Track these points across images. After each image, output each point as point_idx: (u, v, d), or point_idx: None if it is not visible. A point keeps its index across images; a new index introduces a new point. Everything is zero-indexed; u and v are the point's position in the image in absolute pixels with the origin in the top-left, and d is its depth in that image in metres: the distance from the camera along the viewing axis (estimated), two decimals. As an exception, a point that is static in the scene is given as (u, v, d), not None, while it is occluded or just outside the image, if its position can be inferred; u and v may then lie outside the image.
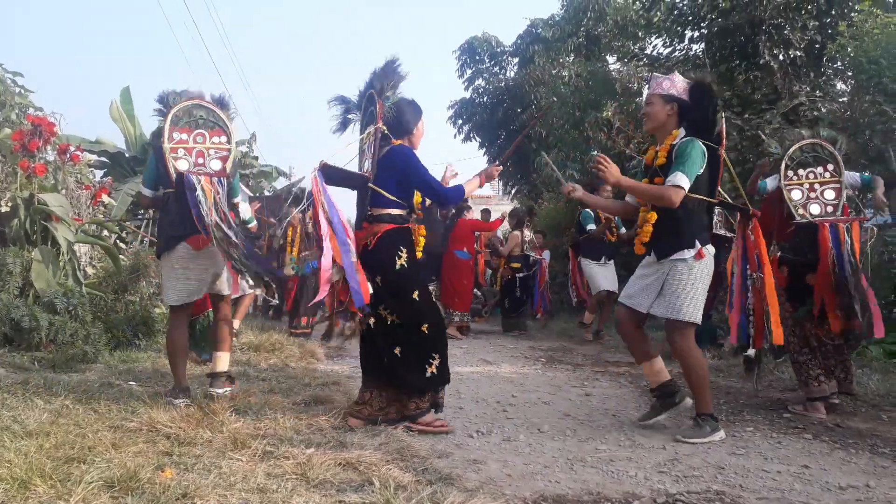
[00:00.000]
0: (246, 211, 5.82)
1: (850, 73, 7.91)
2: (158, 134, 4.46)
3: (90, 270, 7.40)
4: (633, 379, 5.79)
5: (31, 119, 6.58)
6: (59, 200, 6.49)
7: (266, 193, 10.16)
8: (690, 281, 3.76)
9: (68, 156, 6.80)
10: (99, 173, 11.93)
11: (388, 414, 3.87)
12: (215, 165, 4.36)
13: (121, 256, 7.20)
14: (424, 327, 3.84)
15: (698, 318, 3.82)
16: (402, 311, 3.84)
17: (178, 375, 4.41)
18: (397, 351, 3.81)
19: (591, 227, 8.35)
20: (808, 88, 8.12)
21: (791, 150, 4.61)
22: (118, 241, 7.69)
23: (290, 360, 6.38)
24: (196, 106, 4.46)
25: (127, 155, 12.68)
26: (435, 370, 3.85)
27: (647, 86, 4.41)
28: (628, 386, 5.54)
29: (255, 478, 2.80)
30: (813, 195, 4.55)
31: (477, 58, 15.77)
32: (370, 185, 3.88)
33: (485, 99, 15.65)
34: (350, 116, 4.28)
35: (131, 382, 4.90)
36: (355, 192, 4.05)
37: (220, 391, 4.44)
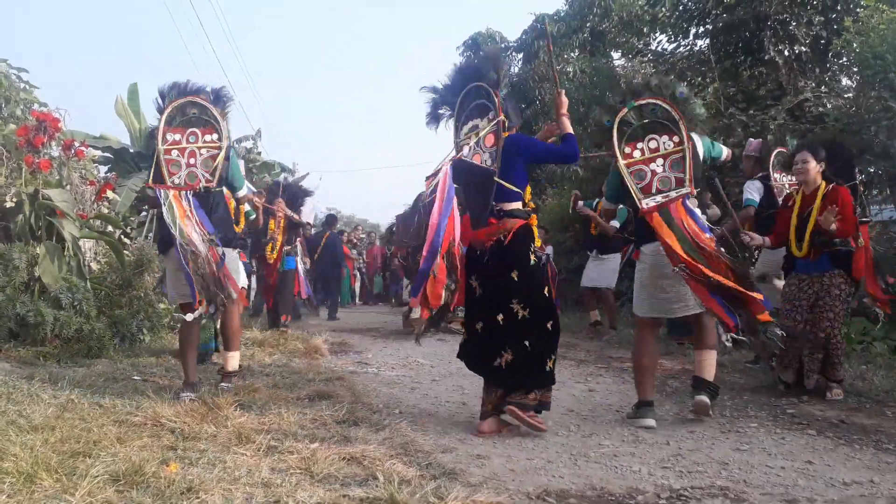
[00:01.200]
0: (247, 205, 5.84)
1: (855, 69, 7.87)
2: (154, 135, 4.49)
3: (94, 266, 7.42)
4: (637, 375, 5.78)
5: (35, 115, 6.60)
6: (64, 196, 6.51)
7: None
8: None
9: (73, 151, 6.81)
10: (103, 169, 11.96)
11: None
12: (205, 165, 4.41)
13: (125, 251, 7.21)
14: (549, 324, 3.83)
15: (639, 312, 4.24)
16: (535, 305, 3.78)
17: (187, 371, 4.47)
18: (527, 343, 3.73)
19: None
20: (813, 84, 8.10)
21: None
22: (122, 236, 7.70)
23: (293, 356, 6.39)
24: (189, 103, 4.44)
25: (131, 150, 12.69)
26: (551, 366, 3.82)
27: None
28: (631, 382, 5.50)
29: (260, 472, 2.81)
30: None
31: (481, 53, 15.76)
32: (496, 178, 3.75)
33: (489, 95, 15.62)
34: (440, 111, 4.16)
35: (136, 377, 4.92)
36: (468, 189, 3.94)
37: (225, 385, 4.60)
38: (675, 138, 4.01)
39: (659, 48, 10.56)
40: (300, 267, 9.08)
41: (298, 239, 9.07)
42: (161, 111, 4.47)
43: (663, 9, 9.66)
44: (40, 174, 6.33)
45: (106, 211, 7.71)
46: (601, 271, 8.36)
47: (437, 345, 7.77)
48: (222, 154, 4.45)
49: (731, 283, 3.76)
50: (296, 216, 8.57)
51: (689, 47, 9.54)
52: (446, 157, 4.00)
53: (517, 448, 3.50)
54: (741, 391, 5.08)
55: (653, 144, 4.06)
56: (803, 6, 8.11)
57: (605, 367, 6.27)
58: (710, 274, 3.74)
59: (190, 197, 4.33)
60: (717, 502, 2.75)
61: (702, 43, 9.25)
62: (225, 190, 4.75)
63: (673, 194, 3.95)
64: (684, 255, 3.78)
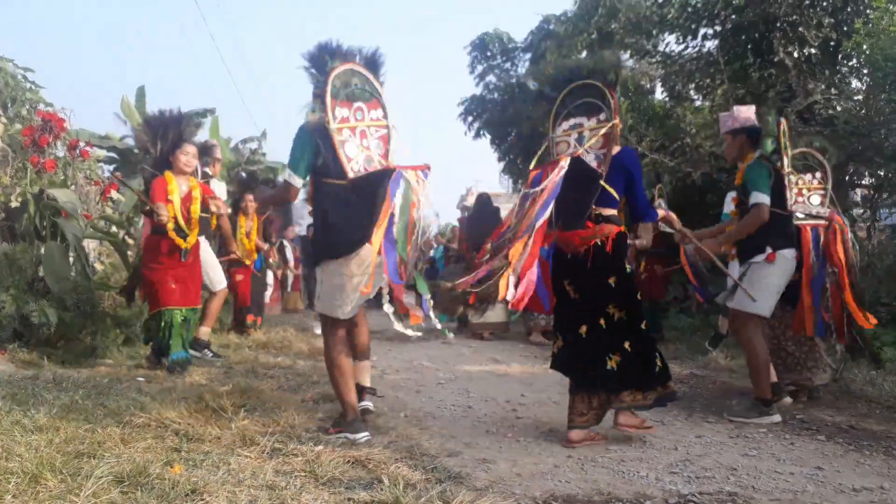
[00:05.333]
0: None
1: (865, 71, 7.82)
2: (322, 110, 3.57)
3: (99, 266, 7.42)
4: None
5: (41, 115, 6.59)
6: (69, 196, 6.51)
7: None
8: (762, 279, 4.25)
9: (78, 151, 6.80)
10: (108, 169, 11.97)
11: (603, 414, 3.73)
12: (377, 147, 3.63)
13: (129, 252, 7.21)
14: (644, 324, 3.76)
15: (765, 312, 4.33)
16: (631, 307, 3.71)
17: (350, 401, 3.69)
18: (627, 345, 3.65)
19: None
20: (823, 86, 8.03)
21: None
22: (126, 236, 7.70)
23: (298, 358, 6.38)
24: (351, 72, 3.62)
25: (136, 151, 12.70)
26: (660, 364, 3.71)
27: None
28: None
29: (264, 475, 2.79)
30: (801, 199, 4.71)
31: (488, 54, 15.72)
32: (602, 182, 3.59)
33: (496, 95, 15.58)
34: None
35: (140, 378, 4.91)
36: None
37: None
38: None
39: (667, 49, 10.51)
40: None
41: (273, 239, 8.70)
42: (325, 76, 3.56)
43: (672, 10, 9.60)
44: (45, 174, 6.33)
45: (110, 211, 7.70)
46: None
47: (442, 348, 7.76)
48: (395, 134, 3.70)
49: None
50: (272, 217, 8.11)
51: (697, 49, 9.48)
52: (550, 152, 3.80)
53: (523, 452, 3.48)
54: (750, 396, 5.03)
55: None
56: (813, 8, 8.05)
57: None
58: None
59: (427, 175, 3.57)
60: (726, 509, 2.72)
61: (710, 44, 9.20)
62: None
63: None
64: None
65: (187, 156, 5.36)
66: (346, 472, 2.91)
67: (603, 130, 3.61)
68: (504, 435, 3.82)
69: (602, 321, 3.65)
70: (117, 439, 3.16)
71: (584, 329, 3.70)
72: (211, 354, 6.16)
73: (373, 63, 3.71)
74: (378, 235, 3.37)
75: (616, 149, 3.65)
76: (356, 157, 3.54)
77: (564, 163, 3.53)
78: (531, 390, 5.22)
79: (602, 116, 3.65)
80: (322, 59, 3.59)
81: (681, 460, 3.37)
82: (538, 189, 3.49)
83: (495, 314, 8.78)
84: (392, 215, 3.42)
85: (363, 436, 3.52)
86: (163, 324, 5.28)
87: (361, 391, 4.03)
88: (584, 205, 3.62)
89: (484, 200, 9.49)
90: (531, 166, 3.81)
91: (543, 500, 2.76)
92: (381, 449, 3.30)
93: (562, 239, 3.73)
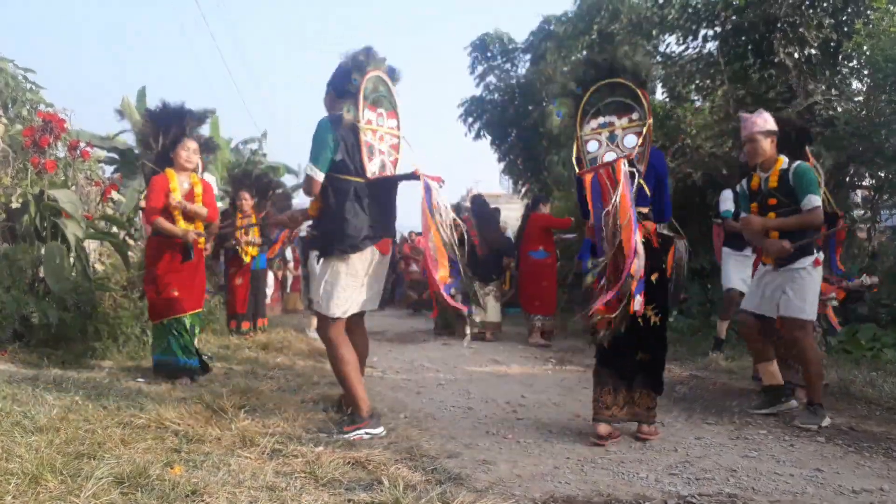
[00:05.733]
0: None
1: (866, 72, 7.81)
2: (354, 110, 3.64)
3: (99, 267, 7.42)
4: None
5: (42, 115, 6.60)
6: (69, 197, 6.50)
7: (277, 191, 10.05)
8: (811, 284, 4.23)
9: (78, 152, 6.81)
10: (109, 169, 11.98)
11: (629, 415, 3.83)
12: (389, 155, 3.78)
13: (129, 253, 7.21)
14: (667, 332, 3.89)
15: (814, 317, 4.33)
16: (664, 311, 3.83)
17: (362, 395, 3.73)
18: (652, 349, 3.79)
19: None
20: (823, 87, 8.02)
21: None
22: (127, 237, 7.70)
23: (298, 359, 6.38)
24: (381, 80, 3.75)
25: (136, 151, 12.72)
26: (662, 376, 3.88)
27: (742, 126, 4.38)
28: (639, 386, 5.49)
29: (264, 476, 2.80)
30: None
31: (489, 54, 15.71)
32: (640, 181, 3.61)
33: (496, 96, 15.57)
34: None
35: (140, 379, 4.91)
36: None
37: None
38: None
39: (667, 50, 10.51)
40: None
41: (282, 236, 8.29)
42: (361, 74, 3.64)
43: (672, 11, 9.60)
44: (46, 175, 6.33)
45: (111, 211, 7.71)
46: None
47: (442, 349, 7.76)
48: (405, 146, 3.85)
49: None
50: (271, 216, 7.59)
51: (697, 49, 9.48)
52: (598, 153, 3.77)
53: (523, 454, 3.48)
54: (750, 398, 5.03)
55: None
56: (813, 9, 8.05)
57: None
58: None
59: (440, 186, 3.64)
60: (725, 510, 2.72)
61: (711, 45, 9.19)
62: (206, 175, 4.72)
63: None
64: None
65: (188, 151, 5.11)
66: (346, 474, 2.91)
67: (643, 132, 3.68)
68: (504, 436, 3.82)
69: (640, 320, 3.68)
70: (117, 440, 3.17)
71: (623, 326, 3.73)
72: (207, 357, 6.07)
73: (392, 75, 3.83)
74: (430, 245, 3.51)
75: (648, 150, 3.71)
76: (375, 160, 3.66)
77: (624, 167, 3.47)
78: (531, 391, 5.22)
79: (634, 116, 3.71)
80: (364, 60, 3.65)
81: (680, 462, 3.37)
82: (615, 203, 3.45)
83: (490, 314, 8.82)
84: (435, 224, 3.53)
85: (382, 430, 3.65)
86: (172, 333, 5.02)
87: None
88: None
89: (482, 202, 9.56)
90: (577, 171, 3.84)
91: (543, 501, 2.77)
92: (382, 450, 3.31)
93: None
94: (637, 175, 3.54)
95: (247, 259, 7.53)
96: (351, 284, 3.64)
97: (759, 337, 4.49)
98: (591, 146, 3.78)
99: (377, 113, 3.70)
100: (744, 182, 4.52)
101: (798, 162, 4.26)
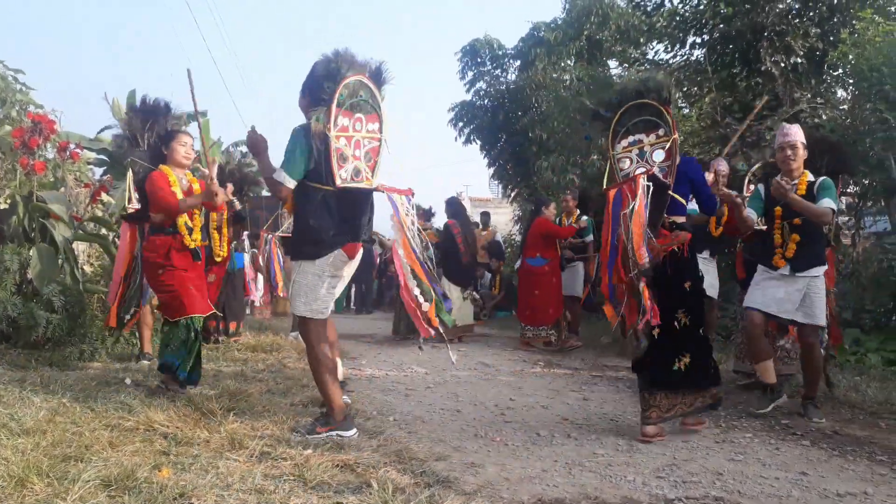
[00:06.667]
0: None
1: (851, 81, 7.91)
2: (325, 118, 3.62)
3: (88, 268, 7.39)
4: (631, 384, 5.77)
5: (31, 116, 6.58)
6: (59, 198, 6.48)
7: (265, 193, 9.93)
8: (823, 292, 4.50)
9: (68, 153, 6.78)
10: (98, 171, 11.92)
11: (672, 415, 4.00)
12: (367, 159, 3.74)
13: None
14: (702, 329, 4.08)
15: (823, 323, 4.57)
16: (697, 313, 4.03)
17: (337, 399, 3.75)
18: (693, 349, 3.97)
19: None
20: (809, 95, 8.12)
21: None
22: (116, 238, 7.66)
23: (287, 361, 6.37)
24: (362, 84, 3.70)
25: (121, 149, 12.63)
26: (715, 365, 4.08)
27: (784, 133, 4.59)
28: (626, 391, 5.53)
29: (253, 478, 2.80)
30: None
31: (479, 60, 15.77)
32: (671, 192, 3.90)
33: (486, 102, 15.62)
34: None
35: (128, 381, 4.89)
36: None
37: None
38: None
39: (656, 58, 10.61)
40: (248, 267, 8.07)
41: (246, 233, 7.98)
42: (335, 83, 3.60)
43: (660, 18, 9.69)
44: (35, 176, 6.30)
45: (100, 213, 7.67)
46: (569, 281, 8.41)
47: (431, 352, 7.75)
48: (385, 148, 3.80)
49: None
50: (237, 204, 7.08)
51: (685, 57, 9.57)
52: (626, 170, 4.02)
53: (511, 456, 3.49)
54: (735, 402, 5.08)
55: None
56: (800, 18, 8.16)
57: (599, 376, 6.27)
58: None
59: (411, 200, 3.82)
60: (711, 513, 2.75)
61: (698, 53, 9.28)
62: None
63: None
64: None
65: (185, 147, 4.81)
66: (334, 476, 2.91)
67: (667, 146, 3.92)
68: (492, 439, 3.84)
69: (675, 325, 3.94)
70: (105, 443, 3.16)
71: (656, 332, 3.95)
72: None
73: (377, 77, 3.79)
74: (401, 257, 3.68)
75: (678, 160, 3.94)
76: (347, 167, 3.65)
77: (643, 181, 3.76)
78: (520, 394, 5.24)
79: (661, 132, 3.94)
80: (336, 67, 3.64)
81: (667, 465, 3.40)
82: (630, 210, 3.73)
83: (461, 318, 8.76)
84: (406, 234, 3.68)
85: (354, 433, 3.65)
86: (191, 334, 4.62)
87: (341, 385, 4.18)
88: (657, 215, 3.89)
89: (457, 203, 9.43)
90: (605, 186, 4.10)
91: (531, 503, 2.78)
92: (370, 453, 3.32)
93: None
94: (651, 188, 3.77)
95: (218, 258, 6.82)
96: (318, 285, 3.73)
97: (763, 335, 4.64)
98: (624, 164, 4.03)
99: (354, 118, 3.69)
100: (761, 186, 4.73)
101: (824, 177, 4.53)
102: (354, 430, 3.69)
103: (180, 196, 4.62)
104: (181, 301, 4.61)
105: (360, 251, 3.81)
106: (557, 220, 8.61)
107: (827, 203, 4.36)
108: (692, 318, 3.99)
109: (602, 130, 4.22)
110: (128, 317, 5.39)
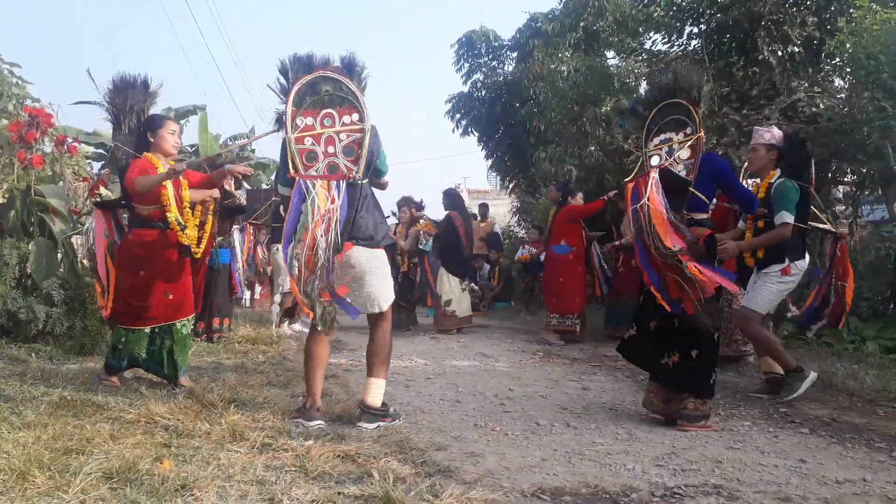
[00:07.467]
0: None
1: (848, 70, 7.87)
2: (282, 121, 3.75)
3: (87, 262, 7.38)
4: (631, 373, 5.80)
5: (28, 110, 6.55)
6: (56, 192, 6.48)
7: (264, 186, 9.88)
8: (770, 285, 4.71)
9: (66, 147, 6.77)
10: (97, 165, 11.91)
11: (668, 410, 4.05)
12: (347, 153, 3.66)
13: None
14: (716, 335, 4.04)
15: (763, 311, 4.80)
16: (714, 314, 3.97)
17: (311, 391, 3.81)
18: (694, 353, 3.95)
19: None
20: (806, 84, 8.09)
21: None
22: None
23: (287, 353, 6.38)
24: (321, 79, 3.68)
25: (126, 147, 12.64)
26: (714, 379, 4.02)
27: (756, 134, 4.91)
28: (625, 380, 5.55)
29: (254, 469, 2.81)
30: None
31: (475, 52, 15.74)
32: (692, 189, 3.95)
33: (483, 93, 15.59)
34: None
35: (128, 374, 4.89)
36: None
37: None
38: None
39: (653, 48, 10.58)
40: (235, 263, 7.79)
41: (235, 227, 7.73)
42: (286, 92, 3.71)
43: (657, 8, 9.66)
44: (33, 170, 6.29)
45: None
46: None
47: (430, 343, 7.79)
48: (367, 138, 3.67)
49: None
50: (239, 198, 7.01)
51: (682, 47, 9.53)
52: (646, 165, 4.10)
53: (511, 446, 3.51)
54: (734, 390, 5.10)
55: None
56: (797, 7, 8.12)
57: (598, 366, 6.29)
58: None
59: (342, 187, 3.61)
60: (710, 500, 2.76)
61: (696, 43, 9.24)
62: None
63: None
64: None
65: (174, 135, 4.57)
66: (335, 467, 2.92)
67: (688, 142, 3.97)
68: (492, 428, 3.85)
69: (675, 321, 3.95)
70: (106, 435, 3.17)
71: (653, 324, 4.08)
72: None
73: (350, 68, 3.77)
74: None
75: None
76: (318, 165, 3.64)
77: (655, 174, 3.87)
78: (519, 384, 5.26)
79: (689, 130, 3.99)
80: (285, 70, 3.77)
81: (666, 453, 3.41)
82: (644, 202, 3.82)
83: (461, 309, 8.77)
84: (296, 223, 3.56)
85: (316, 424, 3.64)
86: (179, 337, 4.48)
87: None
88: (677, 211, 3.90)
89: (455, 195, 9.38)
90: (626, 179, 4.21)
91: (531, 492, 2.79)
92: (371, 443, 3.33)
93: None
94: (688, 185, 3.91)
95: (197, 253, 6.74)
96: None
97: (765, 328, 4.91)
98: (654, 160, 4.08)
99: (322, 114, 3.66)
100: (752, 181, 5.06)
101: (783, 179, 4.69)
102: (318, 422, 3.65)
103: (170, 189, 4.39)
104: (148, 312, 4.45)
105: (355, 251, 3.73)
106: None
107: (780, 218, 4.56)
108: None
109: (638, 127, 4.32)
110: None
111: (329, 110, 3.67)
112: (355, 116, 3.68)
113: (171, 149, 4.57)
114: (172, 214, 4.40)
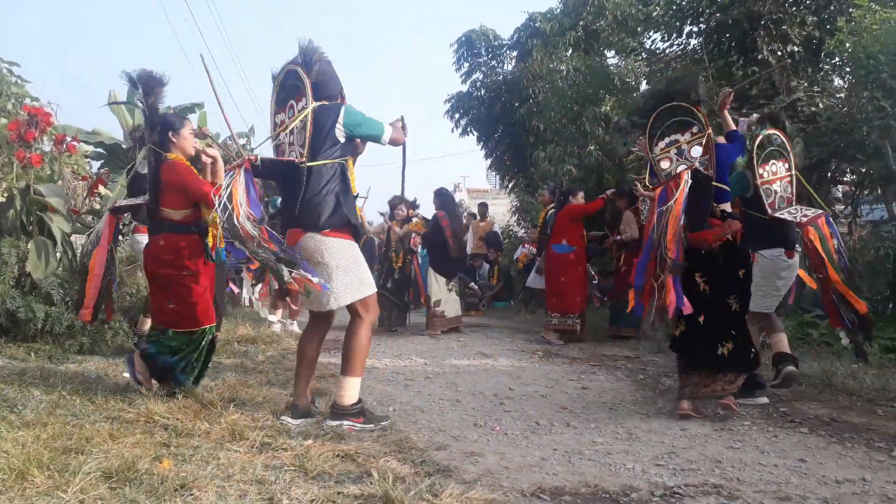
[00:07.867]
0: None
1: (848, 69, 7.88)
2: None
3: (86, 261, 7.37)
4: (630, 373, 5.80)
5: (27, 109, 6.55)
6: (56, 191, 6.47)
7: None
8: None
9: (65, 146, 6.77)
10: (96, 164, 11.90)
11: (711, 392, 4.18)
12: (300, 138, 3.68)
13: (117, 248, 7.16)
14: (746, 316, 4.27)
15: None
16: (746, 300, 4.25)
17: (297, 389, 3.86)
18: (734, 333, 4.14)
19: None
20: (805, 84, 8.11)
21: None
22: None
23: (287, 353, 6.38)
24: (287, 72, 3.80)
25: (124, 146, 12.60)
26: (754, 352, 4.24)
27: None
28: (625, 379, 5.55)
29: (254, 469, 2.81)
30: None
31: (475, 51, 15.72)
32: (715, 182, 4.10)
33: (482, 92, 15.57)
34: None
35: (127, 373, 4.89)
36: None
37: None
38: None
39: (652, 47, 10.58)
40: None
41: None
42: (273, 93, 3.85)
43: (657, 8, 9.66)
44: (32, 169, 6.28)
45: (98, 206, 7.66)
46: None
47: (430, 342, 7.79)
48: (310, 119, 3.65)
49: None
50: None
51: (682, 46, 9.54)
52: (670, 167, 4.21)
53: (511, 445, 3.51)
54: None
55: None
56: (797, 6, 8.13)
57: (598, 365, 6.28)
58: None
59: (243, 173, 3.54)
60: (710, 500, 2.76)
61: (695, 42, 9.25)
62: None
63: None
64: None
65: (192, 136, 4.38)
66: (335, 466, 2.92)
67: (695, 141, 4.14)
68: (492, 428, 3.85)
69: (724, 311, 4.14)
70: (105, 435, 3.16)
71: (702, 318, 4.16)
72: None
73: (305, 55, 3.78)
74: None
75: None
76: (291, 154, 3.74)
77: (687, 176, 3.99)
78: (518, 384, 5.26)
79: (695, 129, 4.16)
80: (274, 75, 3.89)
81: (666, 453, 3.41)
82: (671, 204, 3.94)
83: (450, 309, 8.75)
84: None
85: (298, 422, 3.68)
86: (203, 344, 4.26)
87: None
88: (706, 206, 4.10)
89: (447, 194, 9.36)
90: (649, 184, 4.38)
91: (531, 492, 2.79)
92: (371, 443, 3.33)
93: (694, 239, 4.08)
94: (711, 179, 4.05)
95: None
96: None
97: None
98: (664, 164, 4.22)
99: (287, 107, 3.80)
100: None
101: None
102: (300, 421, 3.69)
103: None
104: (207, 311, 4.26)
105: (305, 238, 3.66)
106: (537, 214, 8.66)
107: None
108: (743, 304, 4.19)
109: (640, 136, 4.45)
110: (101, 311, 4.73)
111: (291, 101, 3.79)
112: (304, 101, 3.72)
113: (191, 150, 4.36)
114: (214, 215, 3.73)
